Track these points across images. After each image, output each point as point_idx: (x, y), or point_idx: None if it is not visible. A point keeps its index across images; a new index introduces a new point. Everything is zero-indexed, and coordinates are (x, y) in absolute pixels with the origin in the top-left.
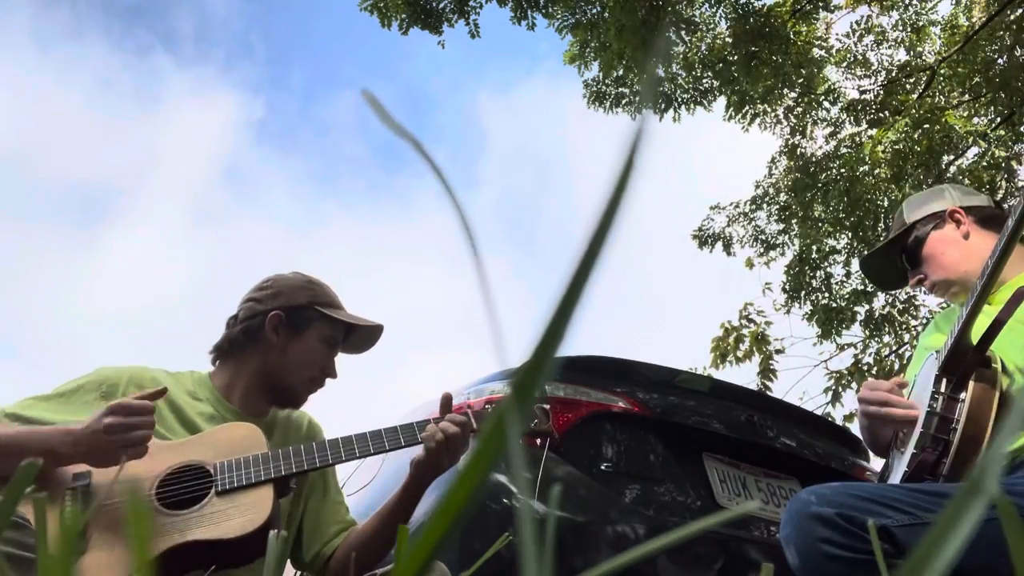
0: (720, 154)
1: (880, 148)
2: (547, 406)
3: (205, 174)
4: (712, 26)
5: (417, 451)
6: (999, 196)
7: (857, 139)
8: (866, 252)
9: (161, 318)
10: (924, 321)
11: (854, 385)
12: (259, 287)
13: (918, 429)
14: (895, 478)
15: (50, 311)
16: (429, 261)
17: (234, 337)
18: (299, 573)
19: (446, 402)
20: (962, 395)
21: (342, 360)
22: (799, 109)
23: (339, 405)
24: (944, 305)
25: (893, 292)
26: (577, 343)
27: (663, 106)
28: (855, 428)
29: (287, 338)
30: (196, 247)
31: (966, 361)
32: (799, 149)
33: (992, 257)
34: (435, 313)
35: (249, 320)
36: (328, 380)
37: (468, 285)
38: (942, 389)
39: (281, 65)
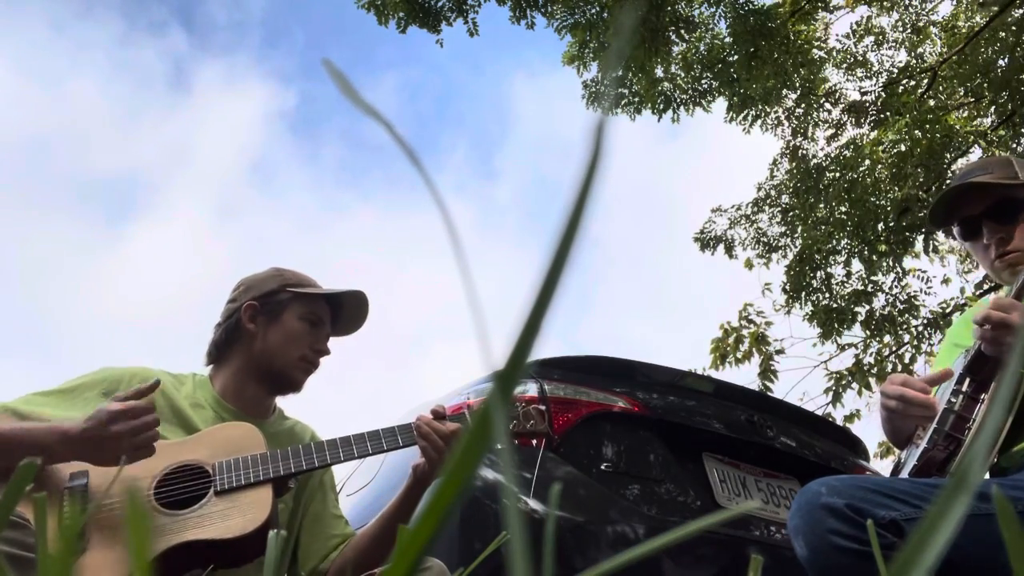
0: (722, 156)
1: (880, 148)
2: (543, 407)
3: (233, 167)
4: (711, 26)
5: (417, 454)
6: None
7: (858, 140)
8: (955, 184)
9: (180, 316)
10: (925, 321)
11: (854, 386)
12: (232, 290)
13: (933, 425)
14: (906, 472)
15: (69, 309)
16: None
17: (218, 339)
18: None
19: (439, 415)
20: (983, 396)
21: (361, 352)
22: (800, 110)
23: (364, 395)
24: (973, 297)
25: (893, 292)
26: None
27: (662, 107)
28: (855, 428)
29: (266, 324)
30: (220, 243)
31: (991, 362)
32: (800, 151)
33: None
34: (458, 303)
35: (228, 319)
36: (323, 359)
37: (490, 273)
38: (964, 388)
39: (317, 51)
